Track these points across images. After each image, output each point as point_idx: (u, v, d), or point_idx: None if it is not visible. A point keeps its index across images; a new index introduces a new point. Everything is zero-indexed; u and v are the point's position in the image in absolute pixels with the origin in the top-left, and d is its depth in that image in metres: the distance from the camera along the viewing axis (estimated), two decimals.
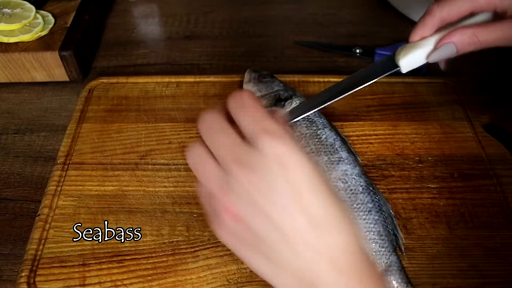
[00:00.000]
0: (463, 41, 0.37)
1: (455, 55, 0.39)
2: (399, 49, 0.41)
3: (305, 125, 0.42)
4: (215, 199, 0.29)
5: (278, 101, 0.45)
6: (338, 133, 0.41)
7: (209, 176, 0.30)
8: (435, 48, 0.39)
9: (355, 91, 0.40)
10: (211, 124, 0.31)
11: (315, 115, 0.43)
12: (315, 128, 0.41)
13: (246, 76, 0.50)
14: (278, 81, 0.48)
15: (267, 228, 0.27)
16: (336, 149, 0.39)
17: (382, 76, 0.41)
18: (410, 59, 0.40)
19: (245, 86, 0.49)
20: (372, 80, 0.41)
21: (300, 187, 0.27)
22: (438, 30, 0.39)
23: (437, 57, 0.39)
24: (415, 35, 0.40)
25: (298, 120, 0.41)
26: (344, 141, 0.41)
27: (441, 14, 0.38)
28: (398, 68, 0.40)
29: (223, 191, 0.28)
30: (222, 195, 0.28)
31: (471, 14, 0.38)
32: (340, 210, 0.27)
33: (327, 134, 0.41)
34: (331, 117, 0.49)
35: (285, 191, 0.27)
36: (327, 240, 0.27)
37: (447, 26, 0.39)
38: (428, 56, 0.39)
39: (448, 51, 0.38)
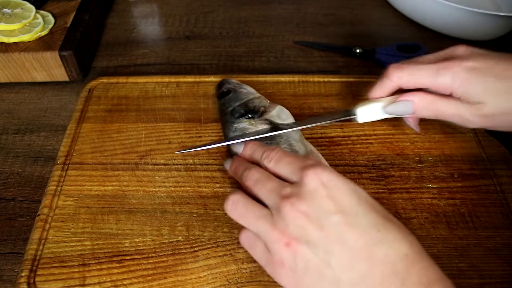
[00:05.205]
0: (422, 103, 0.39)
1: (409, 115, 0.42)
2: (359, 103, 0.44)
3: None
4: (271, 238, 0.30)
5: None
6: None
7: (259, 217, 0.31)
8: (394, 102, 0.41)
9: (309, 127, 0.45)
10: (256, 176, 0.33)
11: None
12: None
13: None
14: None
15: (323, 249, 0.28)
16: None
17: (336, 121, 0.45)
18: (367, 109, 0.43)
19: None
20: (326, 121, 0.45)
21: (344, 204, 0.29)
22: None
23: (394, 110, 0.41)
24: (373, 94, 0.43)
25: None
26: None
27: (399, 81, 0.40)
28: (355, 116, 0.44)
29: (278, 228, 0.30)
30: (278, 232, 0.30)
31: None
32: (387, 220, 0.29)
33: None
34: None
35: (332, 211, 0.29)
36: (381, 250, 0.28)
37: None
38: (385, 108, 0.42)
39: (405, 108, 0.40)
